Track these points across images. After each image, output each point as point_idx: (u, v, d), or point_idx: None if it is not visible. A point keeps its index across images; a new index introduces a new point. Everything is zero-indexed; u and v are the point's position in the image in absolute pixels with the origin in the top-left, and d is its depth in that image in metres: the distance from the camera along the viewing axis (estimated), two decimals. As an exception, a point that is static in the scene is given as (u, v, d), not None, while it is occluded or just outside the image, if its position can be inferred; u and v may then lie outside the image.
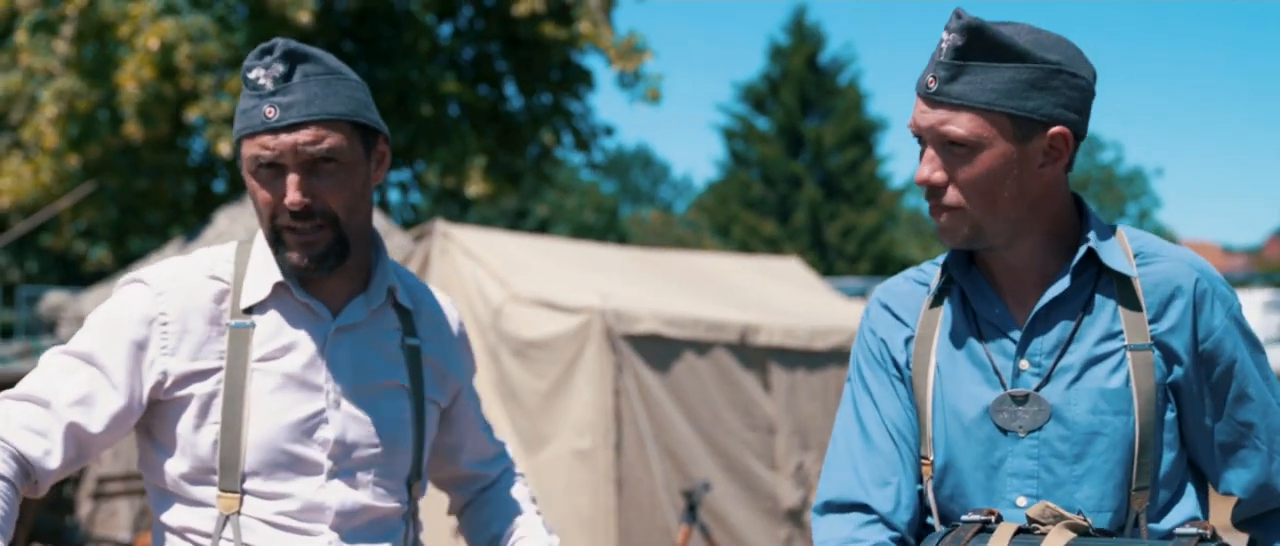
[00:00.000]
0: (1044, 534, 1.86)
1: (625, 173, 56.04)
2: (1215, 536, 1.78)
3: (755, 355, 7.13)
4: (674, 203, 56.81)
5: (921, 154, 2.10)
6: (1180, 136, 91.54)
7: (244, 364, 2.18)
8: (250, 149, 2.14)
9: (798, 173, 35.83)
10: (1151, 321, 2.08)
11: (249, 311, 2.21)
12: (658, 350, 6.74)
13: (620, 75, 11.80)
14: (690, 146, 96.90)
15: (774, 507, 6.92)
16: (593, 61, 12.92)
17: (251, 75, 2.13)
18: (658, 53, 11.79)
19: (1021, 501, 2.03)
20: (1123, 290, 2.10)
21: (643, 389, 6.60)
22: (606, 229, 38.60)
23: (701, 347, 6.93)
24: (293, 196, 2.13)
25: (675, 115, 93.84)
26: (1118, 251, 2.12)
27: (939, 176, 2.05)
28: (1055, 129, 2.04)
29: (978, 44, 2.00)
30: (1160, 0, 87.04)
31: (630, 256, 8.85)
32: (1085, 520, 1.91)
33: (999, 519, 1.94)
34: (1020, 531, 1.89)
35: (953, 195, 2.06)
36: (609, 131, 13.76)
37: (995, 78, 2.01)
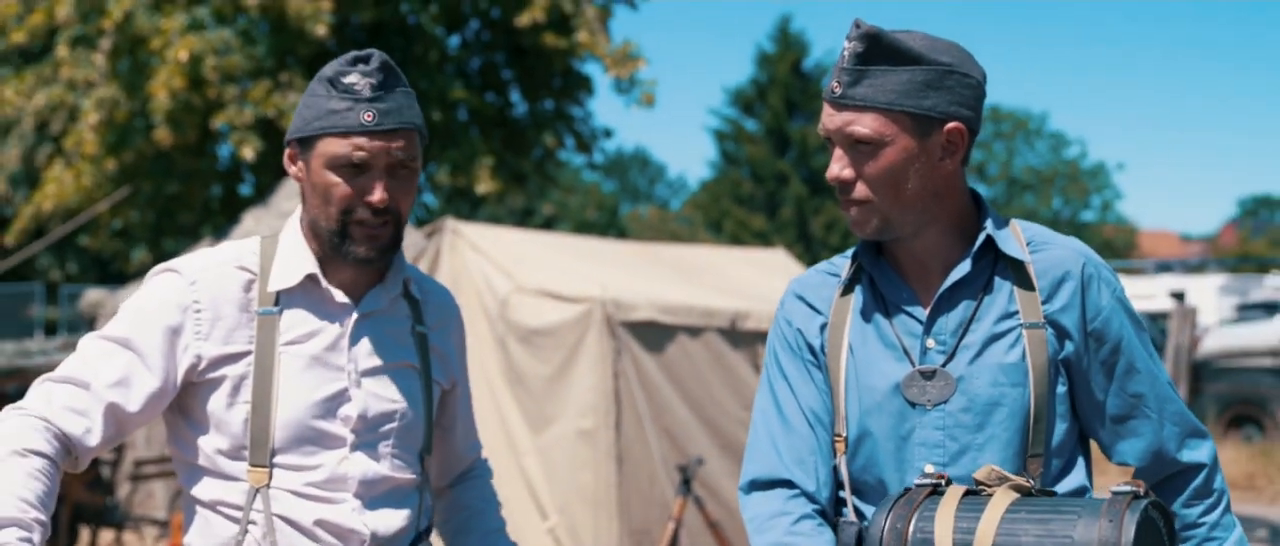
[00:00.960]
0: (991, 494, 1.89)
1: (624, 173, 55.97)
2: (1149, 493, 1.81)
3: (745, 339, 7.16)
4: (670, 200, 56.75)
5: (831, 155, 2.15)
6: (1141, 132, 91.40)
7: (272, 348, 2.21)
8: (337, 147, 2.17)
9: (784, 171, 35.83)
10: (1044, 302, 2.13)
11: (276, 300, 2.24)
12: (654, 336, 6.77)
13: (617, 81, 11.81)
14: (684, 148, 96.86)
15: (762, 481, 6.94)
16: (591, 68, 12.92)
17: (348, 80, 2.17)
18: (652, 61, 11.88)
19: (929, 469, 2.07)
20: (1018, 274, 2.15)
21: (640, 372, 6.63)
22: (607, 225, 38.58)
23: (695, 333, 6.96)
24: (379, 195, 2.18)
25: (670, 119, 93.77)
26: (1012, 239, 2.17)
27: (848, 173, 2.11)
28: (951, 125, 2.10)
29: (876, 50, 2.06)
30: (1124, 1, 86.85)
31: (628, 249, 8.87)
32: (1028, 482, 1.95)
33: (948, 482, 1.97)
34: (968, 493, 1.92)
35: (861, 190, 2.11)
36: (608, 134, 13.77)
37: (894, 80, 2.06)
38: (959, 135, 2.10)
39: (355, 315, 2.27)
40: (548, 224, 32.56)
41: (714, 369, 6.99)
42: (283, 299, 2.25)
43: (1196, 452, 2.19)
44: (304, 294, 2.26)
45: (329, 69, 2.20)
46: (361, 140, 2.16)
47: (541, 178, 13.74)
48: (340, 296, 2.27)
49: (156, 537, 9.18)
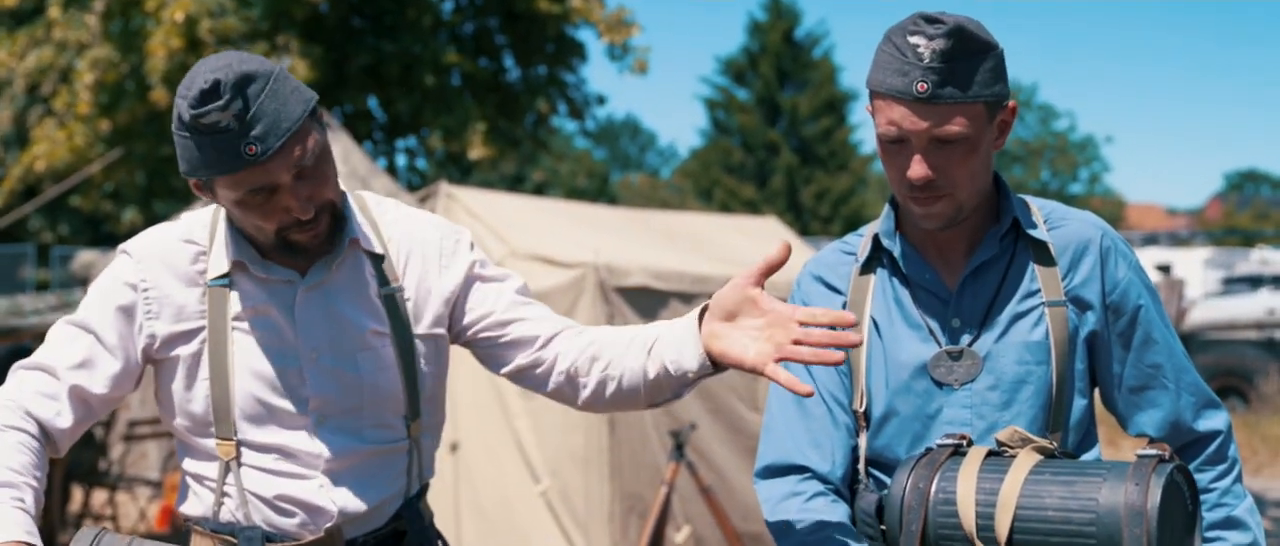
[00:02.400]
0: (1014, 455, 1.85)
1: (615, 141, 55.87)
2: (1174, 458, 1.78)
3: (737, 306, 7.12)
4: (660, 168, 56.68)
5: (895, 150, 2.06)
6: (1129, 106, 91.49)
7: (224, 321, 2.17)
8: (232, 191, 2.04)
9: (775, 140, 35.78)
10: (1064, 277, 2.12)
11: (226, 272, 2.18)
12: (646, 301, 6.72)
13: (610, 47, 11.72)
14: (675, 116, 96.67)
15: (755, 446, 6.91)
16: (585, 35, 12.84)
17: (208, 121, 1.97)
18: (645, 27, 11.73)
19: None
20: (1038, 252, 2.14)
21: (633, 337, 6.59)
22: (598, 192, 38.52)
23: (687, 299, 6.91)
24: (301, 209, 2.06)
25: (661, 87, 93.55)
26: (1033, 219, 2.17)
27: (934, 174, 2.05)
28: (1010, 104, 2.09)
29: (960, 46, 1.99)
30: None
31: (620, 216, 8.81)
32: (1051, 443, 1.91)
33: (970, 443, 1.94)
34: (990, 454, 1.88)
35: (946, 186, 2.06)
36: (601, 100, 13.68)
37: (974, 72, 2.02)
38: (1012, 113, 2.11)
39: (300, 290, 2.18)
40: (538, 190, 32.48)
41: (707, 334, 6.95)
42: (232, 271, 2.18)
43: (1212, 421, 2.20)
44: (250, 274, 2.19)
45: (184, 111, 1.99)
46: (251, 173, 2.01)
47: (534, 144, 13.66)
48: (282, 273, 2.18)
49: (149, 498, 9.14)
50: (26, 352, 2.29)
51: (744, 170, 36.21)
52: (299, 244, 2.11)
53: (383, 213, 2.29)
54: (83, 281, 9.62)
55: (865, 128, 37.97)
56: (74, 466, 8.20)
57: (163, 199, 13.49)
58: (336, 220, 2.14)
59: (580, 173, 40.20)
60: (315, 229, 2.10)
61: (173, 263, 2.19)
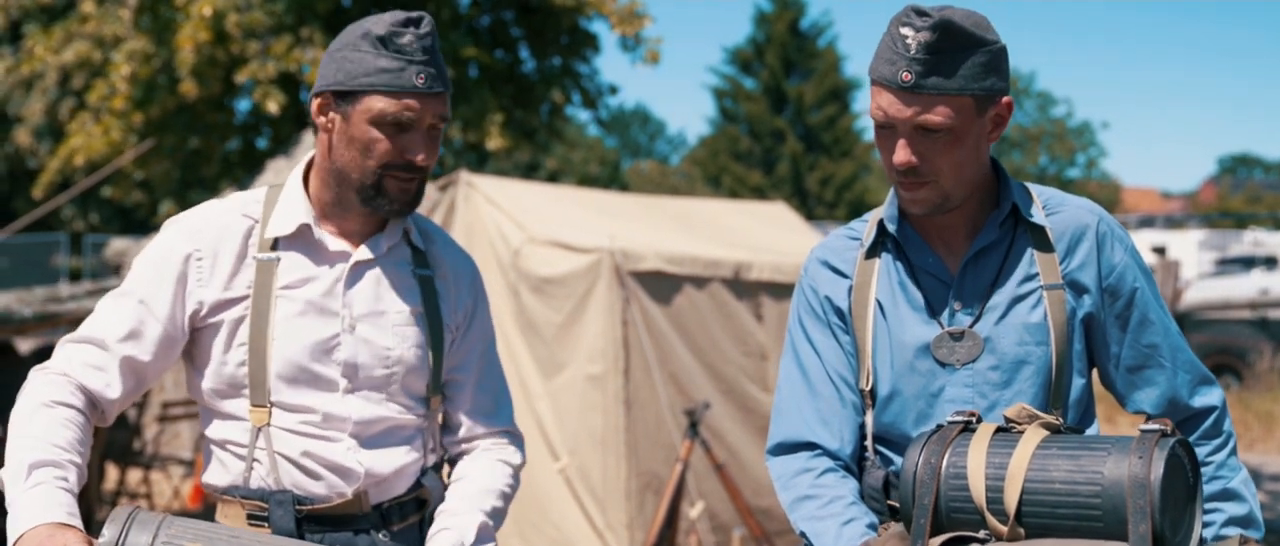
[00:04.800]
0: (1021, 431, 1.88)
1: (625, 129, 55.77)
2: (1175, 432, 1.80)
3: (748, 289, 7.14)
4: (669, 156, 56.58)
5: (884, 135, 2.09)
6: (1125, 93, 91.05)
7: (269, 292, 2.20)
8: (386, 105, 2.14)
9: (781, 128, 35.72)
10: (1062, 261, 2.14)
11: (275, 246, 2.23)
12: (661, 285, 6.75)
13: (623, 39, 11.71)
14: (684, 105, 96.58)
15: (767, 425, 6.92)
16: (598, 26, 12.81)
17: (402, 41, 2.13)
18: (656, 19, 11.69)
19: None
20: (1036, 237, 2.16)
21: (648, 320, 6.61)
22: (609, 179, 38.48)
23: (700, 282, 6.94)
24: (423, 156, 2.17)
25: (671, 77, 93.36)
26: (1032, 205, 2.18)
27: (916, 160, 2.07)
28: (1004, 99, 2.09)
29: (947, 40, 2.01)
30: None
31: (635, 202, 8.83)
32: (1057, 419, 1.94)
33: (979, 419, 1.96)
34: (999, 430, 1.91)
35: (929, 173, 2.09)
36: (614, 90, 13.66)
37: (962, 66, 2.03)
38: (1007, 108, 2.11)
39: (351, 261, 2.25)
40: (552, 178, 32.46)
41: (718, 317, 6.98)
42: (281, 245, 2.24)
43: (1207, 397, 2.22)
44: (302, 241, 2.25)
45: (377, 27, 2.15)
46: (412, 100, 2.15)
47: (549, 133, 13.66)
48: (337, 244, 2.26)
49: (183, 476, 9.21)
50: (48, 354, 2.29)
51: (751, 157, 36.16)
52: (389, 191, 2.20)
53: (423, 221, 2.40)
54: (115, 269, 9.67)
55: (868, 115, 37.82)
56: (109, 446, 8.27)
57: (195, 189, 13.53)
58: (421, 192, 2.24)
59: (592, 160, 40.16)
60: (411, 183, 2.21)
61: (224, 234, 2.23)
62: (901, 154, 2.06)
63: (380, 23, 2.15)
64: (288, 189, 2.28)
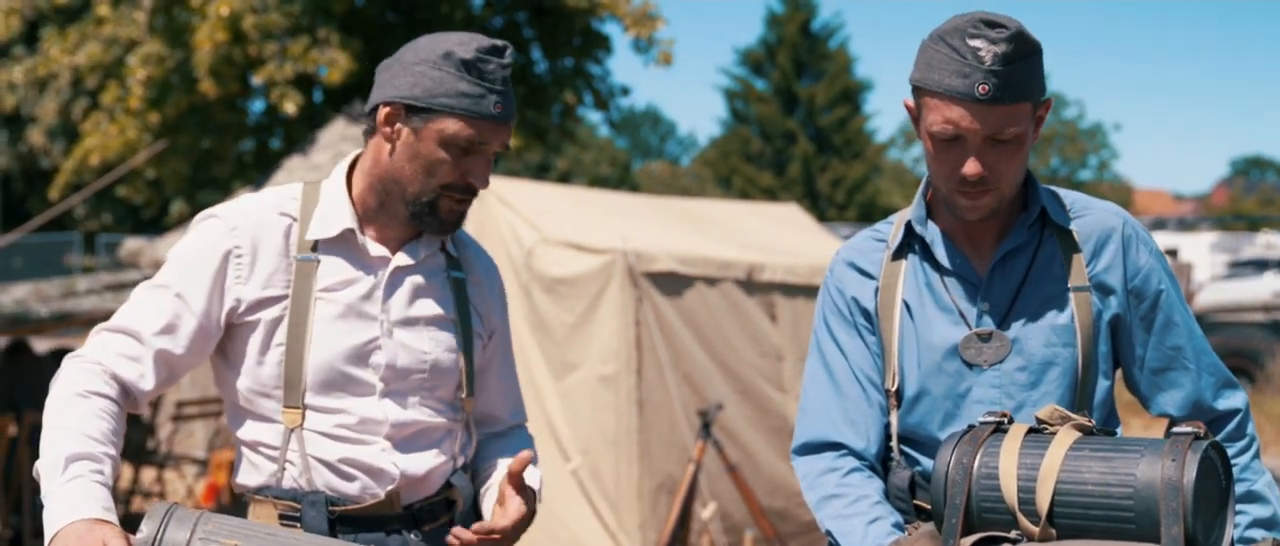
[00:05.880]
0: (1053, 433, 1.86)
1: (636, 130, 55.80)
2: (1208, 435, 1.78)
3: (761, 289, 7.12)
4: (680, 157, 56.59)
5: (950, 147, 2.06)
6: (1137, 94, 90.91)
7: (308, 294, 2.19)
8: (459, 128, 2.16)
9: (792, 129, 35.70)
10: (1088, 264, 2.14)
11: (314, 247, 2.22)
12: (674, 285, 6.73)
13: (636, 40, 11.70)
14: (695, 106, 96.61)
15: (781, 425, 6.93)
16: (610, 28, 12.79)
17: (487, 68, 2.16)
18: (668, 20, 11.68)
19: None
20: (1063, 239, 2.16)
21: (661, 320, 6.60)
22: (620, 180, 38.49)
23: (713, 283, 6.92)
24: (483, 180, 2.21)
25: (682, 78, 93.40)
26: (1059, 208, 2.18)
27: (985, 171, 2.06)
28: (1046, 100, 2.11)
29: (1018, 50, 2.00)
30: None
31: (647, 203, 8.82)
32: (1089, 421, 1.92)
33: (1010, 420, 1.95)
34: (1031, 431, 1.89)
35: (995, 181, 2.08)
36: (626, 91, 13.66)
37: (1027, 74, 2.03)
38: (1047, 109, 2.12)
39: (391, 267, 2.25)
40: (563, 178, 32.49)
41: (731, 317, 6.96)
42: (321, 247, 2.23)
43: (1231, 400, 2.22)
44: (342, 244, 2.24)
45: (463, 50, 2.16)
46: (486, 126, 2.17)
47: (560, 134, 13.66)
48: (377, 249, 2.26)
49: (196, 475, 9.22)
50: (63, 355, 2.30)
51: (762, 158, 36.14)
52: (442, 210, 2.22)
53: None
54: (129, 268, 9.68)
55: (880, 117, 37.77)
56: (124, 444, 8.28)
57: (207, 189, 13.55)
58: (465, 214, 2.27)
59: (603, 161, 40.17)
60: (463, 204, 2.24)
61: (266, 231, 2.22)
62: (972, 166, 2.04)
63: (465, 46, 2.17)
64: (330, 190, 2.27)
